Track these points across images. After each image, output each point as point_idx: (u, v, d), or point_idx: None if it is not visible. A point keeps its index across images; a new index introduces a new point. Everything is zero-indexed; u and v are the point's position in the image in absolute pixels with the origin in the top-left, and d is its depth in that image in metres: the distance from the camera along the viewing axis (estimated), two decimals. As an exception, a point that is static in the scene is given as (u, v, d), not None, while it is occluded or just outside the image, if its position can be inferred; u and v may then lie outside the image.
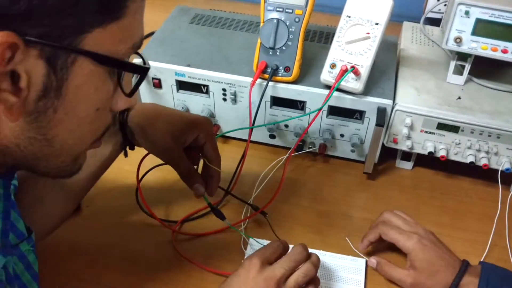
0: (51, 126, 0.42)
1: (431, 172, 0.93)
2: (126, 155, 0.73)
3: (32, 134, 0.42)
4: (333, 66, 0.82)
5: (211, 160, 0.72)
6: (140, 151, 0.73)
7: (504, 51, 0.81)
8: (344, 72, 0.80)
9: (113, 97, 0.47)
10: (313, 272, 0.64)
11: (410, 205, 0.86)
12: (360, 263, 0.75)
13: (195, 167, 0.74)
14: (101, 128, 0.50)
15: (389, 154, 0.92)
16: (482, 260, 0.77)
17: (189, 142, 0.71)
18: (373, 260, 0.75)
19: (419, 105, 0.83)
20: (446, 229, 0.82)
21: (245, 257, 0.76)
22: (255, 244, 0.76)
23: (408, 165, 0.93)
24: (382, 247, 0.77)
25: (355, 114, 0.86)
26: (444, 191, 0.90)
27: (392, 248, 0.74)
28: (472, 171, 0.89)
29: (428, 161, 0.91)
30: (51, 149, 0.45)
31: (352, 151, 0.91)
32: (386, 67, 0.91)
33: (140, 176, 0.79)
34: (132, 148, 0.73)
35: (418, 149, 0.86)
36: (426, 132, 0.83)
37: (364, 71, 0.80)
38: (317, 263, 0.66)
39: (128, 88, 0.47)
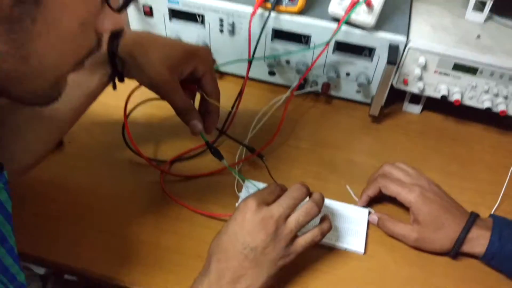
0: (28, 39, 0.36)
1: (441, 117, 0.87)
2: (114, 87, 0.66)
3: (6, 48, 0.36)
4: (342, -5, 0.74)
5: (210, 94, 0.66)
6: (128, 84, 0.66)
7: (534, -15, 0.73)
8: (355, 3, 0.72)
9: (99, 14, 0.41)
10: (315, 210, 0.59)
11: (417, 152, 0.81)
12: (362, 213, 0.70)
13: (192, 101, 0.67)
14: (84, 50, 0.43)
15: (396, 96, 0.86)
16: (492, 212, 0.72)
17: (186, 74, 0.64)
18: (374, 216, 0.69)
19: (435, 43, 0.75)
20: (454, 179, 0.77)
21: (239, 200, 0.70)
22: (251, 186, 0.71)
23: (416, 108, 0.87)
24: (383, 200, 0.72)
25: (363, 51, 0.79)
26: (454, 137, 0.84)
27: (394, 202, 0.69)
28: (485, 117, 0.83)
29: (438, 105, 0.84)
30: (27, 68, 0.39)
31: (358, 91, 0.84)
32: (400, 1, 0.83)
33: (127, 112, 0.73)
34: (121, 80, 0.66)
35: (429, 92, 0.80)
36: (440, 73, 0.76)
37: (378, 3, 0.72)
38: (319, 201, 0.60)
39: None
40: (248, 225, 0.57)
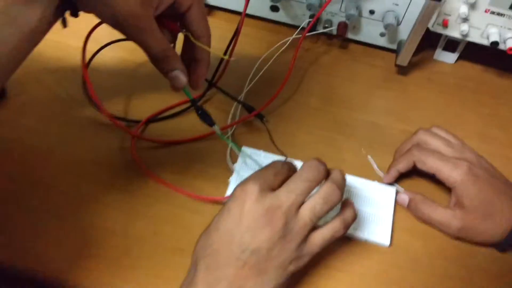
0: None
1: (479, 69, 0.71)
2: (65, 24, 0.48)
3: None
4: None
5: (198, 35, 0.48)
6: (88, 20, 0.48)
7: None
8: None
9: None
10: (336, 195, 0.44)
11: (451, 111, 0.66)
12: (388, 192, 0.56)
13: (172, 45, 0.50)
14: None
15: (425, 42, 0.69)
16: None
17: (165, 7, 0.46)
18: (403, 196, 0.55)
19: (488, -27, 0.58)
20: (496, 146, 0.62)
21: (233, 174, 0.55)
22: (248, 156, 0.55)
23: (450, 57, 0.71)
24: (410, 174, 0.57)
25: (394, -17, 0.61)
26: (495, 94, 0.68)
27: (423, 176, 0.56)
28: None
29: (476, 53, 0.69)
30: None
31: (382, 35, 0.68)
32: None
33: (88, 57, 0.56)
34: (74, 14, 0.48)
35: (474, 37, 0.63)
36: (492, 13, 0.60)
37: None
38: (341, 183, 0.45)
39: None
40: (248, 219, 0.42)
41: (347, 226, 0.46)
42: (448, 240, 0.53)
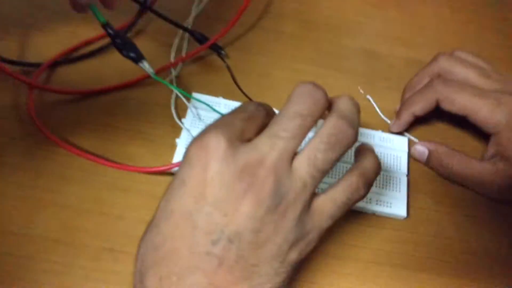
0: None
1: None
2: None
3: None
4: None
5: None
6: None
7: None
8: None
9: None
10: (347, 135, 0.27)
11: (468, 32, 0.51)
12: (399, 143, 0.40)
13: None
14: None
15: None
16: None
17: None
18: (421, 148, 0.40)
19: None
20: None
21: (182, 133, 0.38)
22: (203, 104, 0.39)
23: (459, -37, 0.55)
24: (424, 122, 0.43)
25: None
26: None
27: (440, 121, 0.42)
28: None
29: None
30: None
31: None
32: None
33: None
34: None
35: None
36: None
37: None
38: (352, 116, 0.28)
39: None
40: (215, 189, 0.25)
41: (368, 181, 0.29)
42: (485, 204, 0.39)
